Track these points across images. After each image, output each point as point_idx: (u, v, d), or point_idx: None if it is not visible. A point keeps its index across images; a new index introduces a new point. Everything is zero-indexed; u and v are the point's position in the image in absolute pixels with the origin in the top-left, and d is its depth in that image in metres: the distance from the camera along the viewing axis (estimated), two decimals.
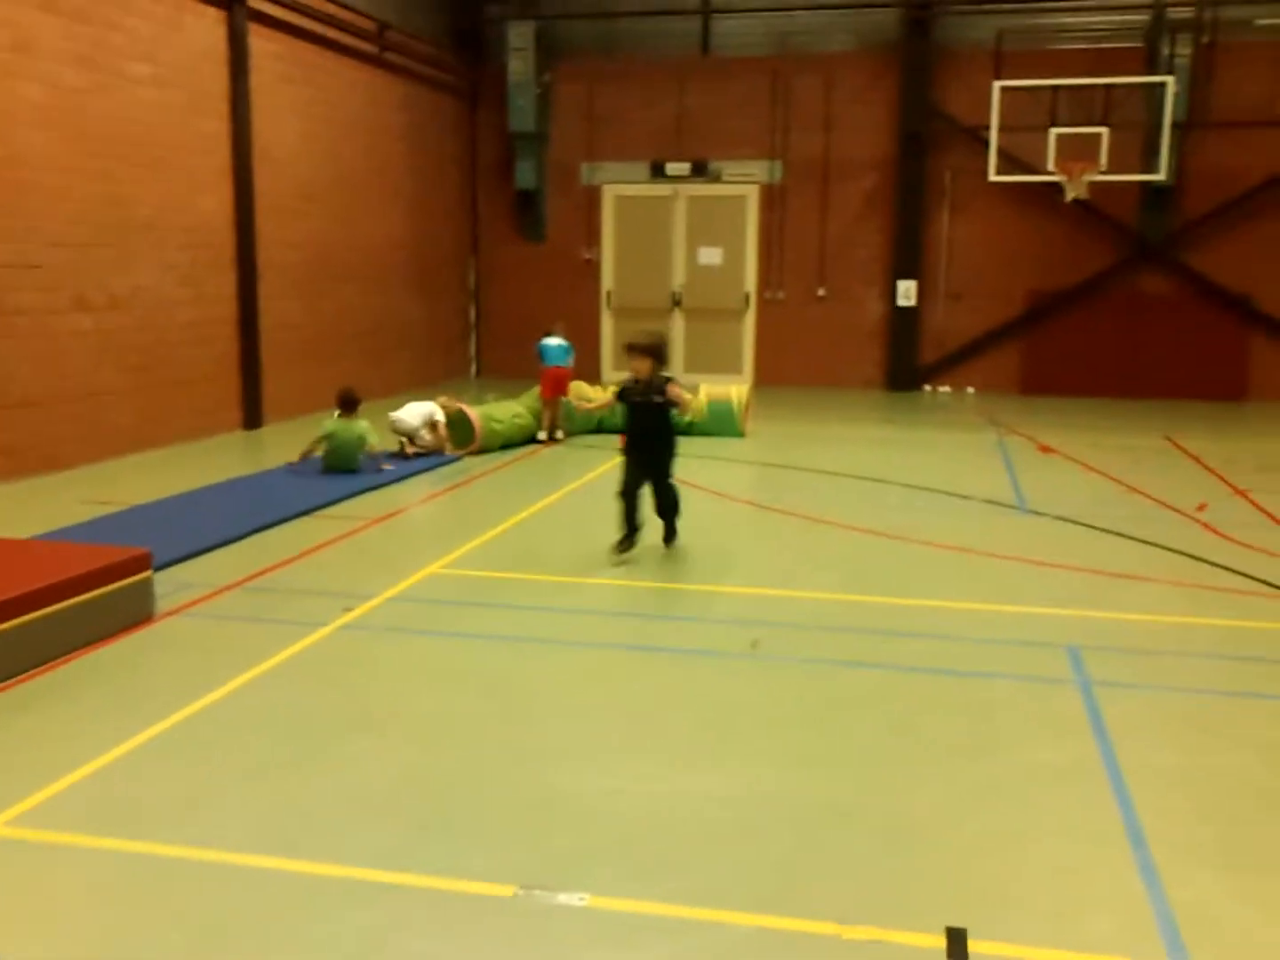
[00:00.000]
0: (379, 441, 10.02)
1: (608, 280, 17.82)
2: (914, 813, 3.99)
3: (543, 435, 11.75)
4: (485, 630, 5.94)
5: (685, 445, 11.63)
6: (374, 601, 6.33)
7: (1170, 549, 7.68)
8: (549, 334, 11.86)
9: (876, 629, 6.05)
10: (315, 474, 9.74)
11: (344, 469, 9.75)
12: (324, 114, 13.72)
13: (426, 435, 10.77)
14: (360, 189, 14.68)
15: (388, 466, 9.95)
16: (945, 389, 16.89)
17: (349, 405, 9.95)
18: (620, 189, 17.60)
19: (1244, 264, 15.85)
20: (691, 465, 10.62)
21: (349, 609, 6.17)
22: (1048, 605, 6.42)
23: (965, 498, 9.37)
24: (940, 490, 9.66)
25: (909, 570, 7.25)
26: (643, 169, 17.39)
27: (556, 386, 11.66)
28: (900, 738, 4.65)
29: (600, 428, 12.19)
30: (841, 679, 5.33)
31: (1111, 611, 6.32)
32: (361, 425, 9.89)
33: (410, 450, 10.62)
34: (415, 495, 9.36)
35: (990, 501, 9.25)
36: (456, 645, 5.74)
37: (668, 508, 7.47)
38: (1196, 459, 11.26)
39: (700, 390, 12.44)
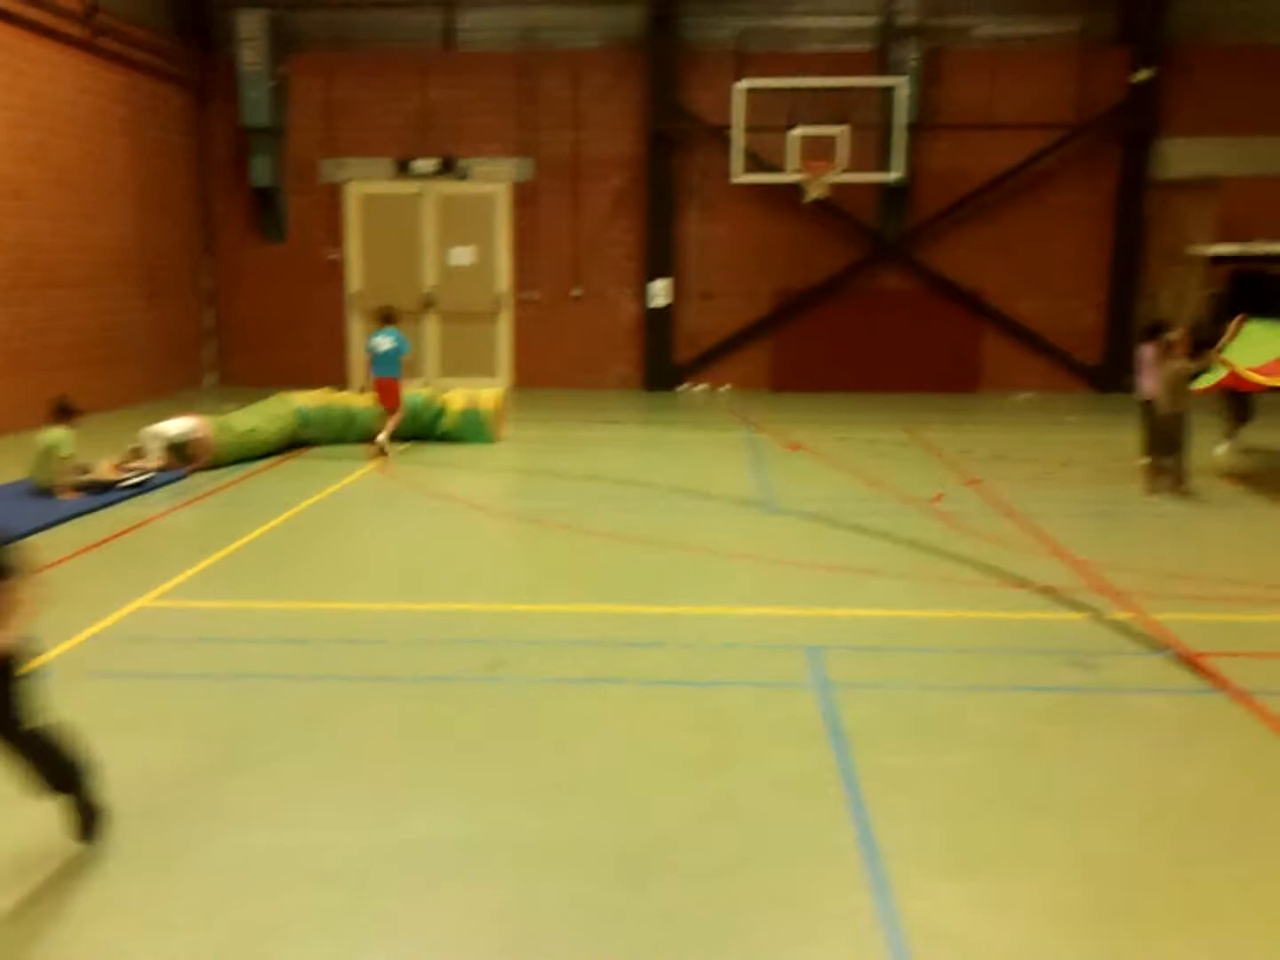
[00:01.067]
0: (72, 454, 9.01)
1: (354, 281, 17.13)
2: (641, 841, 3.79)
3: (382, 439, 11.07)
4: (196, 669, 5.41)
5: (436, 453, 11.40)
6: (69, 643, 5.68)
7: (908, 542, 7.84)
8: (384, 328, 11.21)
9: (620, 641, 5.87)
10: (22, 496, 8.81)
11: (44, 484, 8.88)
12: (27, 103, 12.56)
13: (159, 454, 9.94)
14: (75, 186, 13.54)
15: (74, 492, 8.97)
16: (701, 387, 17.05)
17: (61, 415, 9.07)
18: (365, 187, 16.95)
19: (974, 261, 16.66)
20: (442, 474, 10.25)
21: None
22: (790, 606, 6.40)
23: (716, 498, 9.36)
24: (693, 491, 9.62)
25: (656, 577, 7.12)
26: (388, 166, 16.80)
27: (388, 397, 11.14)
28: (637, 757, 4.46)
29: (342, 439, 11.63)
30: (581, 698, 5.10)
31: (851, 609, 6.35)
32: (53, 435, 8.97)
33: (133, 466, 9.72)
34: (130, 518, 8.59)
35: (740, 501, 9.27)
36: (163, 689, 5.19)
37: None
38: (934, 450, 11.68)
39: (453, 394, 12.08)
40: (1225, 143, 16.10)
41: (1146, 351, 10.46)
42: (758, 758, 4.45)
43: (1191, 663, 5.45)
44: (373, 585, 6.85)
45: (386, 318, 11.34)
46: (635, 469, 10.57)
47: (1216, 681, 5.21)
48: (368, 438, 11.21)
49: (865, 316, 16.89)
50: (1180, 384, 9.41)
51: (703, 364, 17.08)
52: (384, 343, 11.13)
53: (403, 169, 16.73)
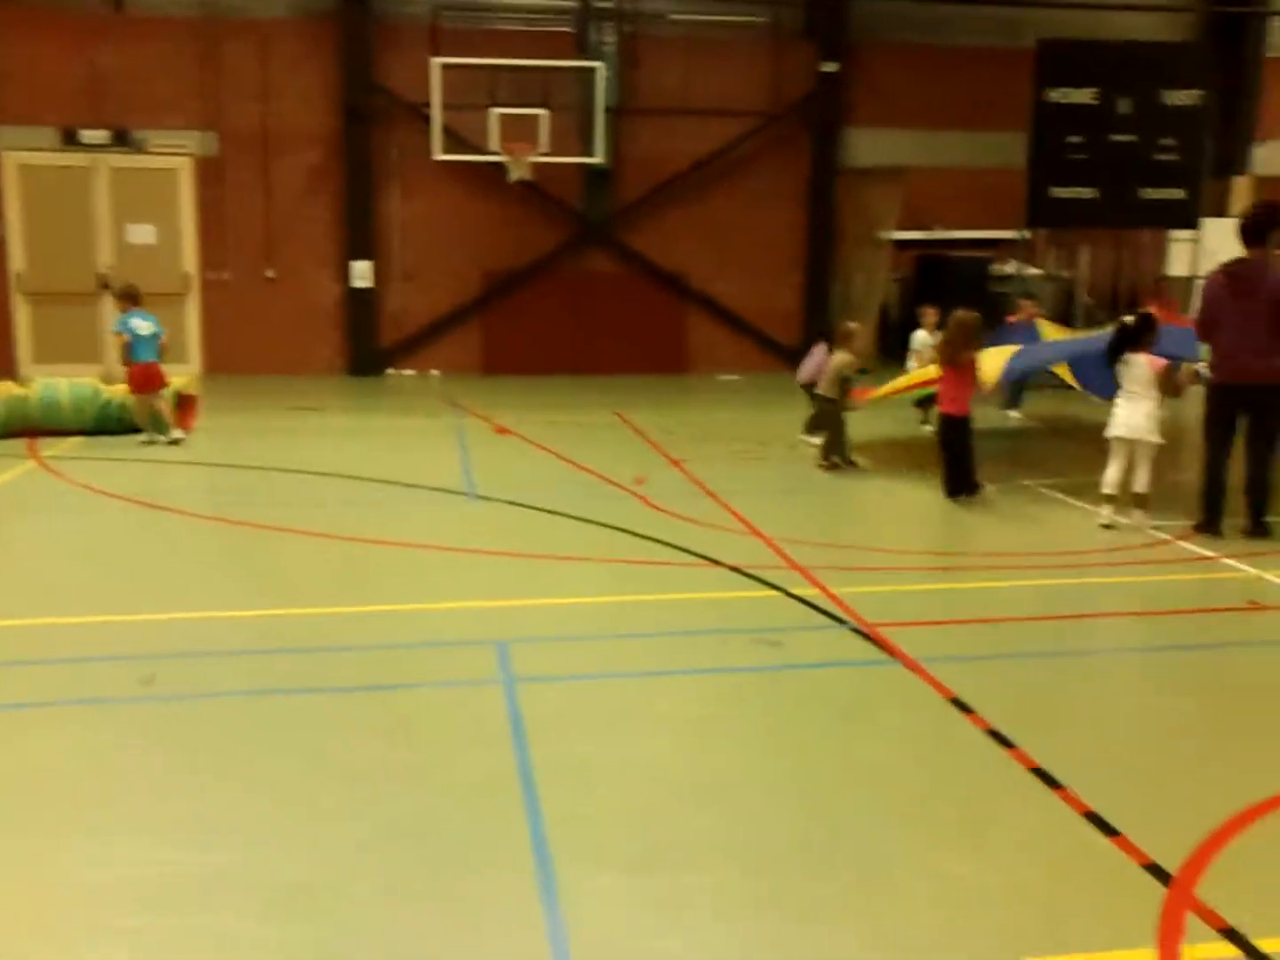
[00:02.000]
0: None
1: (17, 260, 15.58)
2: (302, 878, 3.48)
3: (146, 438, 10.44)
4: None
5: (108, 447, 10.46)
6: None
7: (608, 525, 7.78)
8: (135, 309, 10.60)
9: (304, 647, 5.47)
10: None
11: None
12: None
13: None
14: None
15: None
16: (409, 372, 16.57)
17: None
18: (26, 157, 15.40)
19: (677, 244, 16.94)
20: (117, 471, 9.41)
21: None
22: (483, 598, 6.18)
23: (417, 487, 9.02)
24: (395, 482, 9.22)
25: (349, 575, 6.74)
26: (53, 135, 15.34)
27: (151, 382, 10.52)
28: (310, 775, 4.12)
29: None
30: (253, 712, 4.69)
31: (545, 598, 6.20)
32: None
33: None
34: None
35: (441, 489, 8.97)
36: None
37: None
38: (640, 432, 11.76)
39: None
40: (906, 135, 17.05)
41: (819, 346, 10.90)
42: (443, 764, 4.21)
43: (870, 634, 5.62)
44: (14, 600, 6.13)
45: (134, 298, 10.70)
46: (336, 459, 10.07)
47: (892, 652, 5.38)
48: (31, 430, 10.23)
49: (574, 299, 16.88)
50: (838, 376, 9.81)
51: (411, 347, 16.60)
52: (144, 325, 10.50)
53: (70, 139, 15.33)
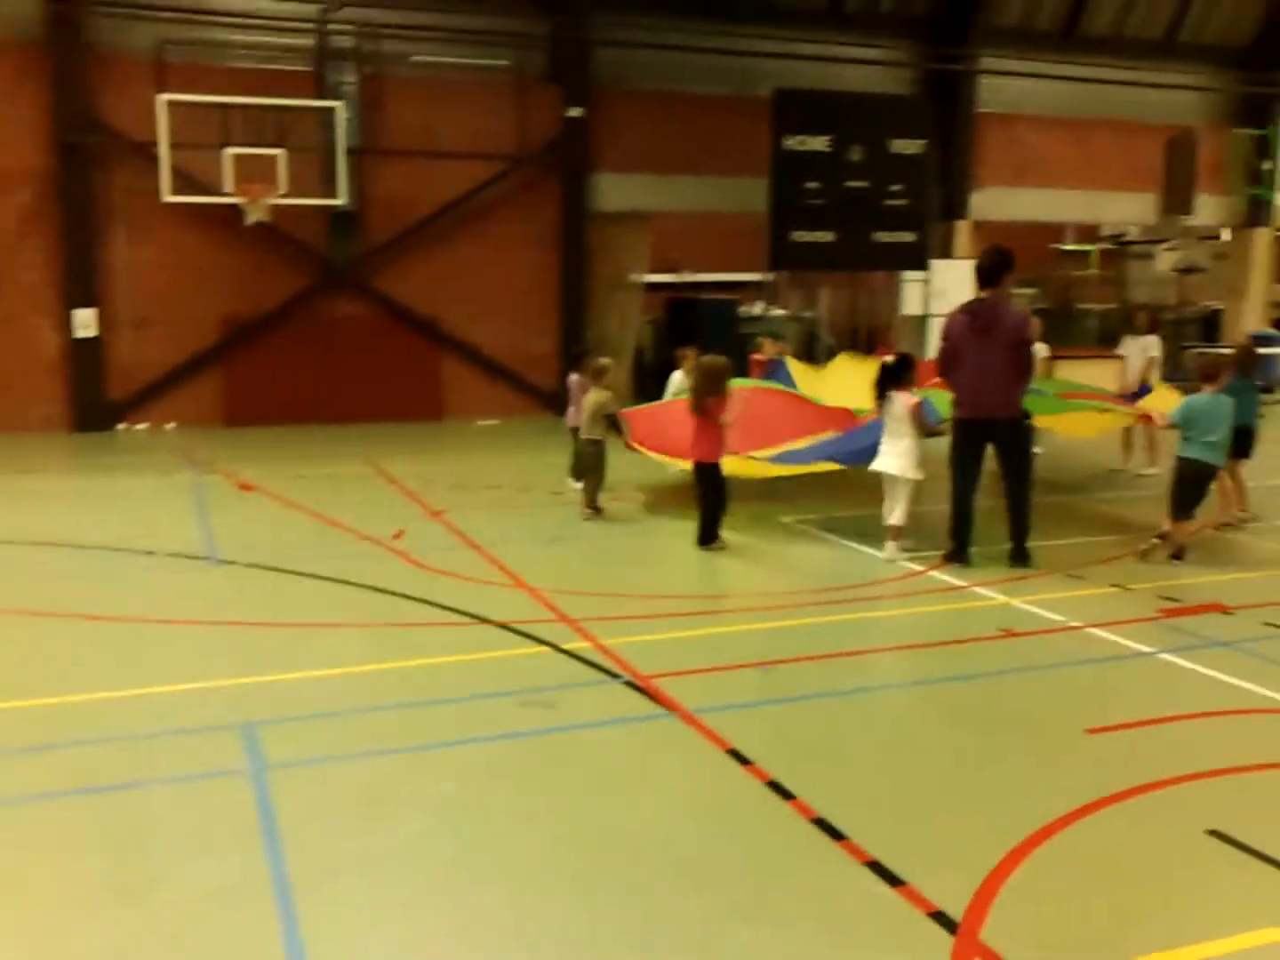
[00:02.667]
0: None
1: None
2: None
3: None
4: None
5: None
6: None
7: (365, 586, 7.35)
8: None
9: (5, 747, 4.81)
10: None
11: None
12: None
13: None
14: None
15: None
16: (142, 427, 15.44)
17: None
18: None
19: (429, 289, 16.55)
20: None
21: None
22: (227, 676, 5.65)
23: (152, 554, 8.29)
24: (124, 548, 8.45)
25: (64, 658, 6.03)
26: None
27: None
28: (20, 894, 3.56)
29: None
30: None
31: (297, 672, 5.73)
32: None
33: None
34: None
35: (179, 555, 8.27)
36: None
37: None
38: (396, 482, 11.30)
39: None
40: (652, 180, 17.31)
41: (573, 379, 10.81)
42: (179, 874, 3.73)
43: (644, 687, 5.45)
44: None
45: None
46: (58, 526, 9.15)
47: (667, 704, 5.22)
48: None
49: (322, 345, 16.19)
50: (599, 413, 9.70)
51: (144, 400, 15.48)
52: None
53: None
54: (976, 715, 5.19)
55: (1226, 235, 21.89)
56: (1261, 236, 20.90)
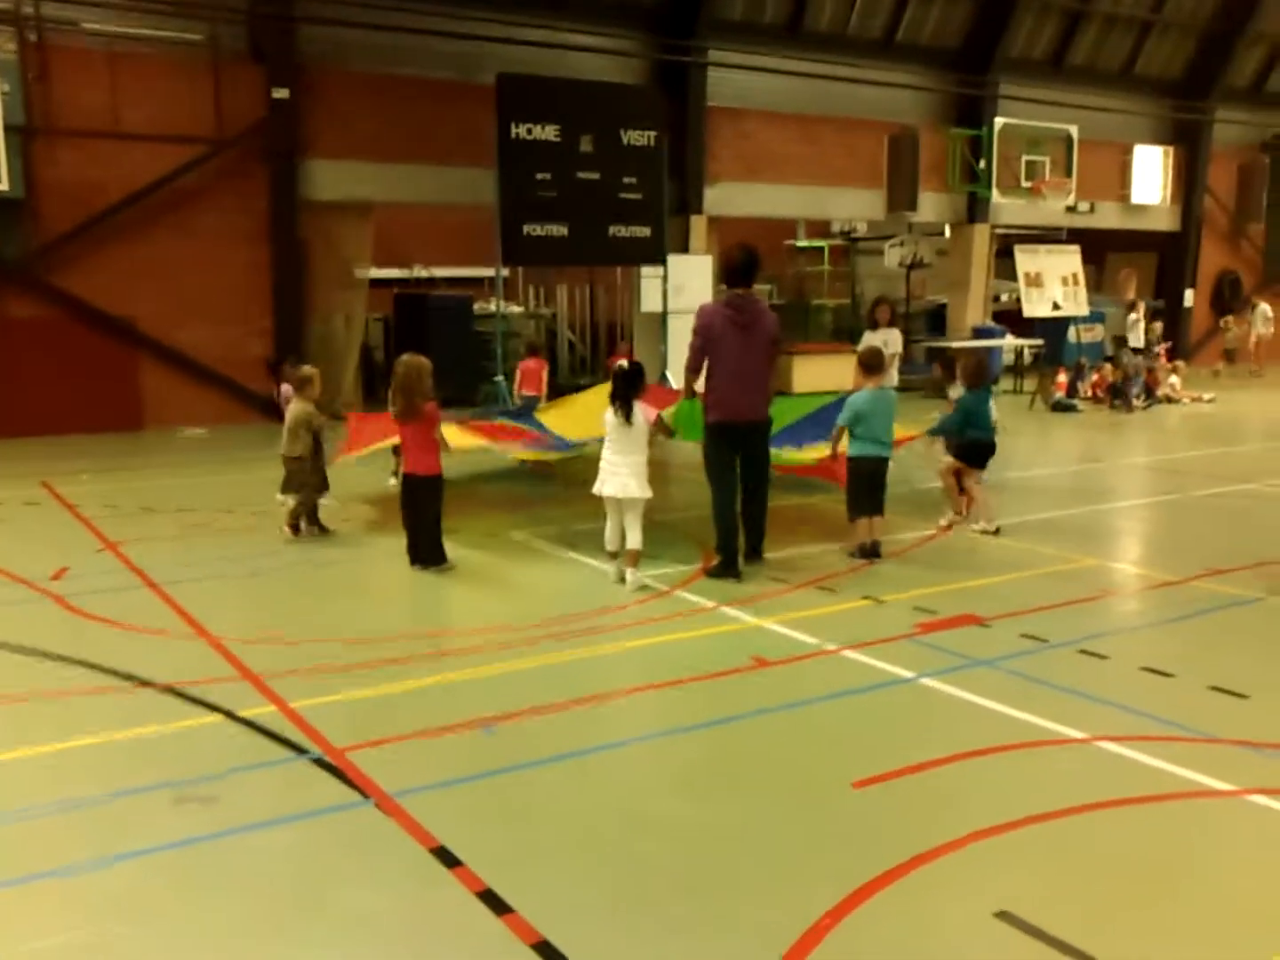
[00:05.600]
0: None
1: None
2: None
3: None
4: None
5: None
6: None
7: (3, 644, 6.00)
8: None
9: None
10: None
11: None
12: None
13: None
14: None
15: None
16: None
17: None
18: None
19: (122, 286, 14.75)
20: None
21: None
22: None
23: None
24: None
25: None
26: None
27: None
28: None
29: None
30: None
31: None
32: None
33: None
34: None
35: None
36: None
37: None
38: (71, 507, 9.75)
39: None
40: (371, 168, 16.06)
41: (286, 389, 9.66)
42: None
43: (336, 765, 4.46)
44: None
45: None
46: None
47: (363, 788, 4.26)
48: None
49: None
50: (301, 428, 8.61)
51: None
52: None
53: None
54: (729, 772, 4.48)
55: (948, 231, 22.60)
56: (980, 232, 21.63)
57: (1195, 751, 4.60)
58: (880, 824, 4.02)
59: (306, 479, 8.64)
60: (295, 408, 8.62)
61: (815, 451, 8.93)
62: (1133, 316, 19.56)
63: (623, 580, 7.19)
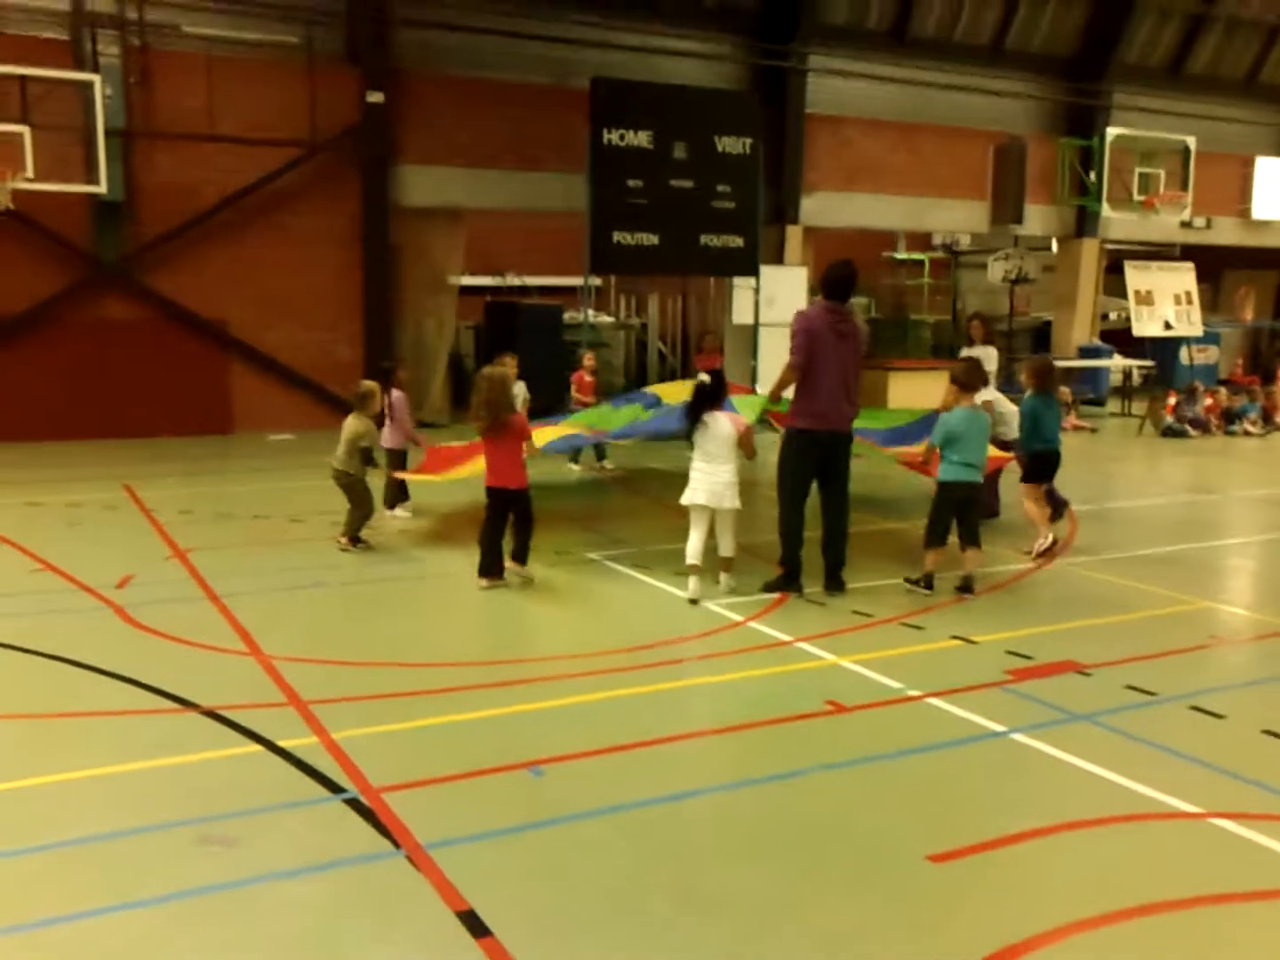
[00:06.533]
0: None
1: None
2: None
3: None
4: None
5: None
6: None
7: (48, 655, 5.85)
8: None
9: None
10: None
11: None
12: None
13: None
14: None
15: None
16: None
17: None
18: None
19: (214, 288, 14.88)
20: None
21: None
22: None
23: None
24: None
25: None
26: None
27: None
28: None
29: None
30: None
31: None
32: None
33: None
34: None
35: None
36: None
37: None
38: (147, 512, 9.71)
39: None
40: (463, 173, 15.96)
41: (396, 396, 9.56)
42: None
43: (372, 805, 4.17)
44: None
45: None
46: None
47: (397, 834, 3.95)
48: None
49: (88, 350, 14.35)
50: (356, 444, 8.45)
51: None
52: None
53: None
54: (792, 838, 4.05)
55: (1055, 246, 21.78)
56: (1089, 247, 20.80)
57: None
58: (959, 907, 3.58)
59: (357, 496, 8.44)
60: (351, 423, 8.48)
61: (900, 450, 8.57)
62: None
63: (697, 600, 6.95)
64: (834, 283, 7.12)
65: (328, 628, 6.62)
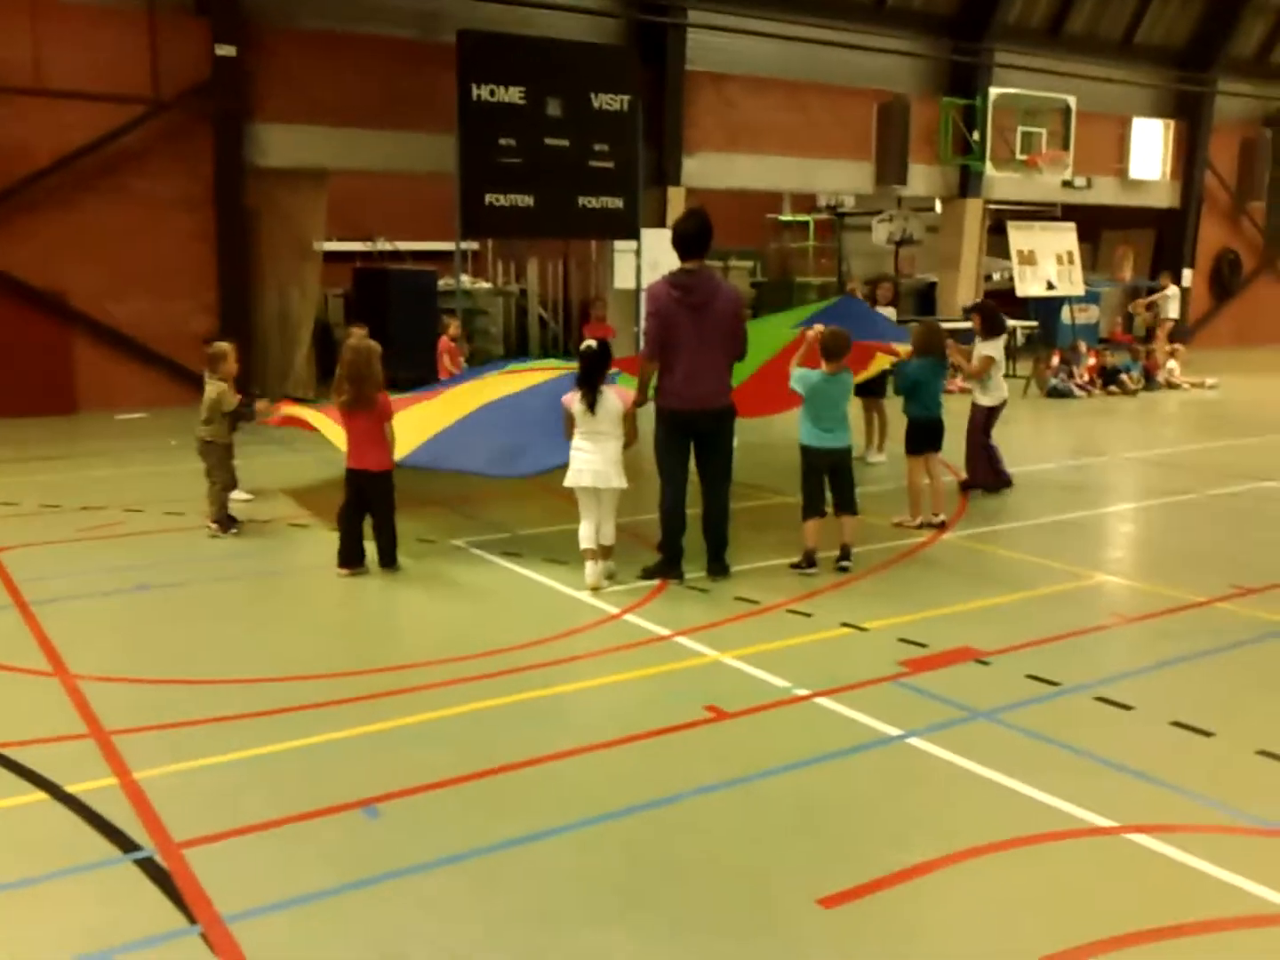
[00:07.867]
0: None
1: None
2: None
3: None
4: None
5: None
6: None
7: None
8: None
9: None
10: None
11: None
12: None
13: None
14: None
15: None
16: None
17: None
18: None
19: (53, 257, 13.69)
20: None
21: None
22: None
23: None
24: None
25: None
26: None
27: None
28: None
29: None
30: None
31: None
32: None
33: None
34: None
35: None
36: None
37: None
38: None
39: None
40: (325, 132, 14.97)
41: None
42: None
43: (170, 867, 3.51)
44: None
45: None
46: None
47: (194, 904, 3.30)
48: None
49: None
50: (216, 410, 7.75)
51: None
52: None
53: None
54: (662, 885, 3.49)
55: (938, 207, 21.59)
56: (972, 207, 20.62)
57: (1252, 850, 3.68)
58: None
59: (217, 467, 7.76)
60: (210, 388, 7.75)
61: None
62: (1170, 290, 19.24)
63: (599, 588, 6.46)
64: (683, 238, 6.49)
65: (151, 638, 5.86)
